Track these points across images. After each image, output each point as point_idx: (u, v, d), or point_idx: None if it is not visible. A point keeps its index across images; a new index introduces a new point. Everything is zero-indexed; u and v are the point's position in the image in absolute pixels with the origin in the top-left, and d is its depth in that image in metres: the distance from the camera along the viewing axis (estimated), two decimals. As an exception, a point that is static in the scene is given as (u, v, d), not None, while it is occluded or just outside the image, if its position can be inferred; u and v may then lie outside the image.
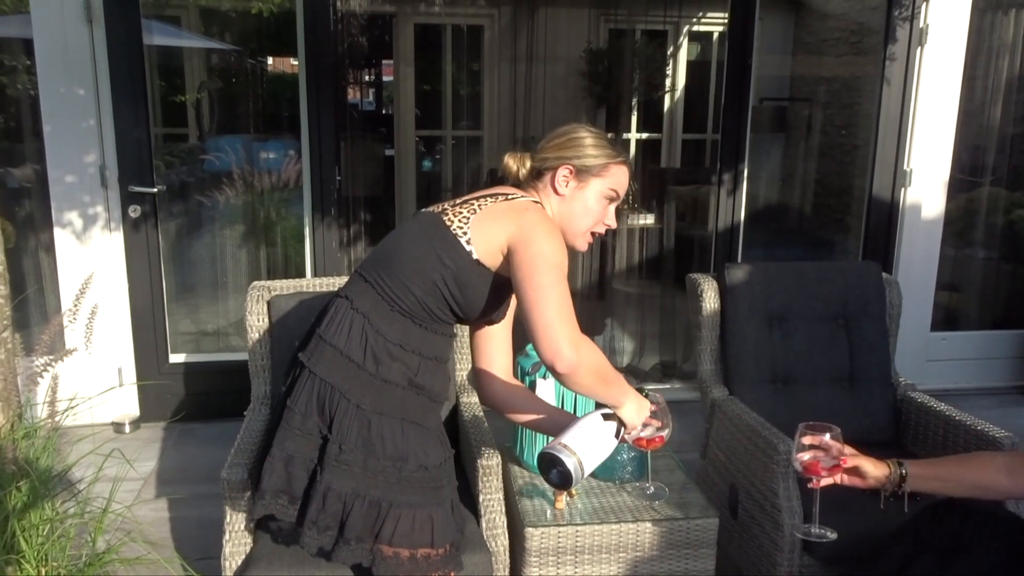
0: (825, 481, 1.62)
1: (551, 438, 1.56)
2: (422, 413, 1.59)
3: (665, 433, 1.67)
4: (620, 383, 1.56)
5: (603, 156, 1.64)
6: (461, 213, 1.56)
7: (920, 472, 1.65)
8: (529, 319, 1.44)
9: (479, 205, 1.57)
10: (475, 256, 1.53)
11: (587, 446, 1.51)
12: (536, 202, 1.64)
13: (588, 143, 1.64)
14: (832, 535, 1.62)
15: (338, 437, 1.52)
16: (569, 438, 1.51)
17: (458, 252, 1.53)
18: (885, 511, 1.67)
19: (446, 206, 1.60)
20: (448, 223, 1.55)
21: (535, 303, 1.44)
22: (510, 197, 1.61)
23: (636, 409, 1.58)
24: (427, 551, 1.56)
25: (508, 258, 1.53)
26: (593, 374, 1.47)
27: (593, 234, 1.70)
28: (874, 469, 1.66)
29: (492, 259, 1.55)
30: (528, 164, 1.67)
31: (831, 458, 1.61)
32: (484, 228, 1.53)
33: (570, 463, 1.47)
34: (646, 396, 1.64)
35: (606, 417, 1.56)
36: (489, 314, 1.66)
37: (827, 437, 1.61)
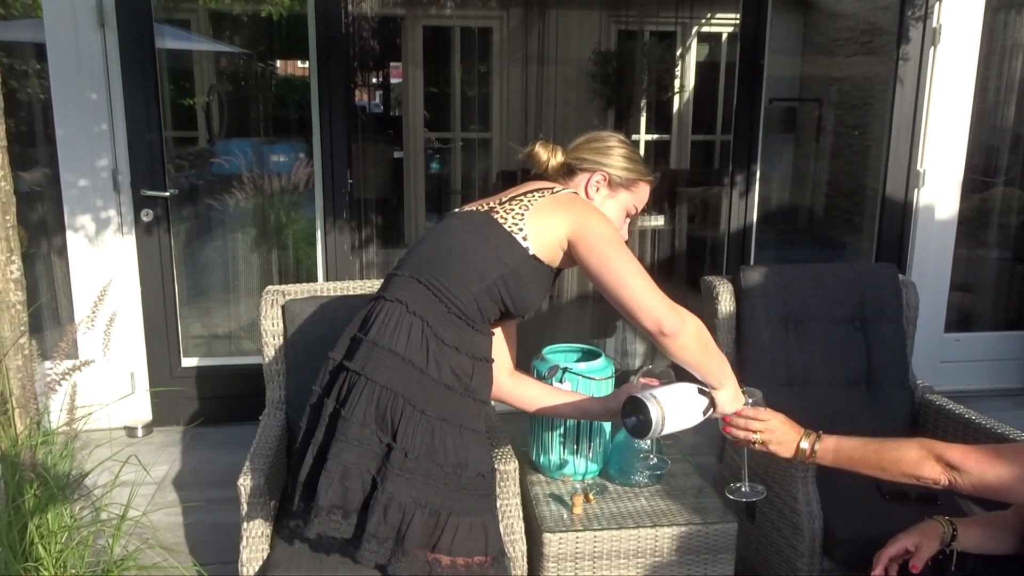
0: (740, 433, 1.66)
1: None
2: (475, 418, 1.59)
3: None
4: (724, 363, 1.60)
5: (636, 172, 1.71)
6: (513, 210, 1.57)
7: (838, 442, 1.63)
8: (620, 300, 1.49)
9: (529, 201, 1.59)
10: (532, 252, 1.55)
11: (675, 407, 1.56)
12: (575, 193, 1.68)
13: (625, 155, 1.71)
14: (763, 493, 1.73)
15: (403, 445, 1.47)
16: (661, 392, 1.57)
17: (516, 249, 1.54)
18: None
19: (493, 204, 1.61)
20: (501, 220, 1.56)
21: (620, 284, 1.49)
22: (555, 191, 1.64)
23: (732, 396, 1.62)
24: (481, 558, 1.56)
25: (569, 251, 1.56)
26: (697, 339, 1.52)
27: None
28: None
29: (550, 254, 1.57)
30: (560, 157, 1.71)
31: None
32: (539, 223, 1.56)
33: (655, 413, 1.53)
34: (744, 392, 1.67)
35: (701, 392, 1.60)
36: (534, 309, 1.68)
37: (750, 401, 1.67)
